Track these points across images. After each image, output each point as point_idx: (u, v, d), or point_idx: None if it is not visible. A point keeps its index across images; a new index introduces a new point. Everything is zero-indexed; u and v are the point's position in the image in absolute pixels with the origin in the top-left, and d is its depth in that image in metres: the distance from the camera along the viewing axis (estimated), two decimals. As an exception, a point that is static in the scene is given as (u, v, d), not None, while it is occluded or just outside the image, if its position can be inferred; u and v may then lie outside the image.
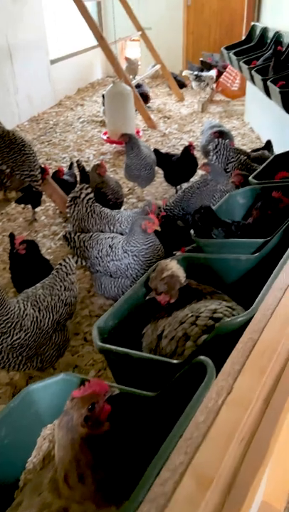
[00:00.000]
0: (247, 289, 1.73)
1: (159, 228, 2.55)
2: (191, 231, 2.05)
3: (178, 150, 5.67)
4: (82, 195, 3.17)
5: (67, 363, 2.73)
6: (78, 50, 8.67)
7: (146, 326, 1.66)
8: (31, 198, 4.06)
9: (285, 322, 1.03)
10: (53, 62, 7.67)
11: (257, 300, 1.17)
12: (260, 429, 0.81)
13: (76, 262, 2.89)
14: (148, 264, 2.61)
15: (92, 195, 3.19)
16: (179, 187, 4.75)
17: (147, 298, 1.69)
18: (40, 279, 2.49)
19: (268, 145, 4.51)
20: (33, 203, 4.21)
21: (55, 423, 1.34)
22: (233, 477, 0.74)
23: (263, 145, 4.65)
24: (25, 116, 6.99)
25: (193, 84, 7.60)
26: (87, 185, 3.23)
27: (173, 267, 1.67)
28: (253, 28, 5.94)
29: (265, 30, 5.54)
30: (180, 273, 1.67)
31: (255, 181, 2.50)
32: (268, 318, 1.06)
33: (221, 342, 1.16)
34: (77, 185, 3.27)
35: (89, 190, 3.18)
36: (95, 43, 7.74)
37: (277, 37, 5.03)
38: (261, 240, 1.78)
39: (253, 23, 5.99)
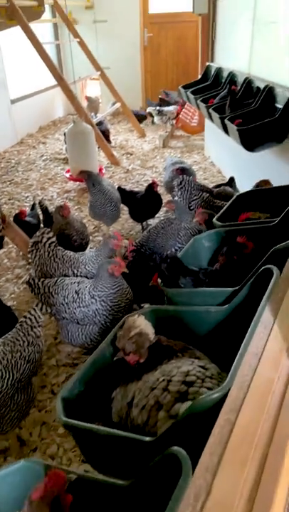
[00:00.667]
0: (218, 341, 1.65)
1: (126, 270, 2.48)
2: (158, 280, 1.97)
3: (142, 186, 5.69)
4: (44, 240, 3.08)
5: (34, 420, 2.55)
6: (39, 90, 8.71)
7: (116, 390, 1.54)
8: (-7, 242, 3.90)
9: (262, 397, 0.95)
10: (13, 101, 7.64)
11: (231, 372, 1.08)
12: None
13: (41, 309, 2.75)
14: (116, 308, 2.51)
15: (54, 238, 3.10)
16: (144, 223, 4.72)
17: (115, 359, 1.57)
18: (1, 330, 2.34)
19: (231, 181, 4.57)
20: (-5, 247, 4.04)
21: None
22: None
23: (226, 181, 4.71)
24: (-14, 156, 6.89)
25: (156, 118, 7.72)
26: (48, 229, 3.13)
27: (141, 323, 1.57)
28: (208, 68, 6.14)
29: (219, 70, 5.72)
30: (149, 330, 1.57)
31: (220, 223, 2.47)
32: (245, 393, 0.97)
33: (194, 419, 1.06)
34: (39, 229, 3.16)
35: (50, 234, 3.10)
36: (55, 81, 7.82)
37: (232, 77, 5.21)
38: (230, 290, 1.72)
39: (207, 63, 6.19)
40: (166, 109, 7.56)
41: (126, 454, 1.20)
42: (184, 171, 4.64)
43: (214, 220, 2.55)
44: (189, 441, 0.99)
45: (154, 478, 0.94)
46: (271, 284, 1.37)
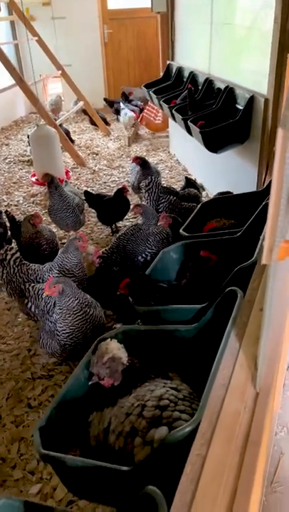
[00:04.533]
0: (189, 358, 1.71)
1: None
2: (129, 298, 2.00)
3: (109, 187, 5.67)
4: (8, 257, 3.07)
5: (12, 436, 2.54)
6: (-1, 89, 8.49)
7: (92, 414, 1.57)
8: None
9: (230, 430, 1.00)
10: (-28, 103, 7.43)
11: (200, 405, 1.13)
12: None
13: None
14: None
15: (17, 254, 3.11)
16: (114, 226, 4.73)
17: (90, 383, 1.60)
18: None
19: (188, 182, 4.61)
20: None
21: None
22: None
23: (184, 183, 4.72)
24: None
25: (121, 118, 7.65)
26: (11, 246, 3.15)
27: (113, 348, 1.60)
28: (169, 67, 6.14)
29: (180, 69, 5.74)
30: (122, 354, 1.61)
31: (186, 234, 2.52)
32: (214, 426, 1.02)
33: (168, 451, 1.11)
34: (2, 247, 3.16)
35: (14, 250, 3.10)
36: (14, 81, 7.61)
37: (193, 76, 5.23)
38: (198, 306, 1.77)
39: (168, 62, 6.19)
40: (129, 113, 7.45)
41: (105, 481, 1.24)
42: (144, 161, 4.65)
43: (181, 230, 2.60)
44: (165, 469, 1.03)
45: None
46: (236, 308, 1.43)
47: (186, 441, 1.05)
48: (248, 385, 1.11)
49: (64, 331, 2.55)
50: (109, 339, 1.66)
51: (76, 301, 2.47)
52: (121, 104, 7.78)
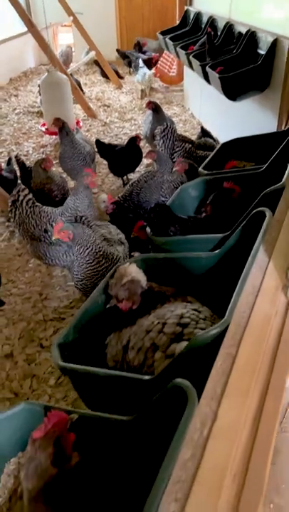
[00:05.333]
0: (209, 286, 1.67)
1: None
2: (148, 229, 1.95)
3: (121, 139, 5.54)
4: (21, 198, 3.00)
5: (24, 374, 2.57)
6: (6, 38, 8.17)
7: (110, 336, 1.55)
8: None
9: (260, 333, 0.97)
10: (-20, 51, 7.19)
11: (229, 308, 1.09)
12: (253, 460, 0.74)
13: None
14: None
15: (30, 195, 3.03)
16: (125, 178, 4.64)
17: (108, 306, 1.58)
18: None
19: (204, 131, 4.49)
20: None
21: (19, 456, 1.22)
22: (232, 522, 0.66)
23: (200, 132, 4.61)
24: None
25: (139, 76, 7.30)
26: (23, 187, 3.06)
27: (132, 271, 1.57)
28: (186, 13, 5.87)
29: (199, 15, 5.48)
30: (140, 277, 1.57)
31: (205, 172, 2.43)
32: (243, 328, 0.99)
33: (194, 355, 1.08)
34: (16, 187, 3.07)
35: (26, 191, 3.02)
36: (24, 29, 7.32)
37: (212, 21, 5.00)
38: (220, 235, 1.72)
39: (186, 7, 5.91)
40: (143, 70, 7.09)
41: (125, 394, 1.23)
42: (156, 105, 4.51)
43: (200, 169, 2.51)
44: (188, 378, 1.01)
45: (158, 411, 0.96)
46: (264, 225, 1.37)
47: (211, 345, 1.02)
48: (278, 293, 1.07)
49: (77, 276, 2.50)
50: (128, 263, 1.63)
51: (88, 251, 2.36)
52: (140, 61, 7.36)
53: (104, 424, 1.07)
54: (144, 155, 4.15)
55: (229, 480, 0.69)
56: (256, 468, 0.73)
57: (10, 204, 3.04)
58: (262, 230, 1.36)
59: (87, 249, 2.35)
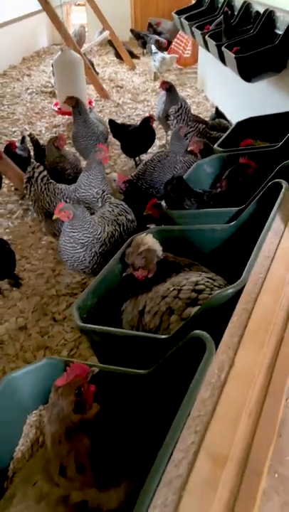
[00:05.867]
0: (223, 258, 1.72)
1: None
2: (163, 203, 2.00)
3: (133, 120, 5.54)
4: (36, 174, 3.05)
5: (38, 345, 2.65)
6: (19, 16, 8.13)
7: (126, 303, 1.61)
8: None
9: (276, 292, 1.02)
10: (-6, 28, 7.18)
11: (245, 270, 1.15)
12: (267, 402, 0.80)
13: None
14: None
15: (45, 172, 3.08)
16: (137, 158, 4.66)
17: (124, 274, 1.64)
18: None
19: (218, 113, 4.49)
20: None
21: (40, 409, 1.29)
22: (247, 453, 0.72)
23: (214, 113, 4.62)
24: None
25: (152, 64, 7.21)
26: (38, 164, 3.10)
27: (149, 241, 1.62)
28: (202, -8, 5.81)
29: (215, -6, 5.43)
30: (157, 247, 1.63)
31: (221, 149, 2.46)
32: (259, 287, 1.04)
33: (210, 315, 1.14)
34: (30, 164, 3.12)
35: (41, 168, 3.07)
36: (37, 7, 7.27)
37: (229, 1, 4.94)
38: (235, 209, 1.76)
39: (202, -13, 5.84)
40: (159, 55, 7.00)
41: (142, 354, 1.29)
42: (170, 85, 4.51)
43: (215, 146, 2.55)
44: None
45: (176, 363, 1.03)
46: (281, 195, 1.41)
47: (227, 305, 1.07)
48: (293, 258, 1.12)
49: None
50: (144, 234, 1.68)
51: (86, 235, 2.43)
52: (153, 47, 7.25)
53: (123, 378, 1.13)
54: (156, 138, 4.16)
55: (245, 418, 0.75)
56: (270, 410, 0.79)
57: (25, 181, 3.10)
58: (278, 200, 1.40)
59: (86, 234, 2.42)
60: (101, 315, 1.57)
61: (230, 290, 1.10)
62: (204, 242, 1.74)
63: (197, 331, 0.95)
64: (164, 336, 1.21)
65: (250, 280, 1.08)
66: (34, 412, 1.28)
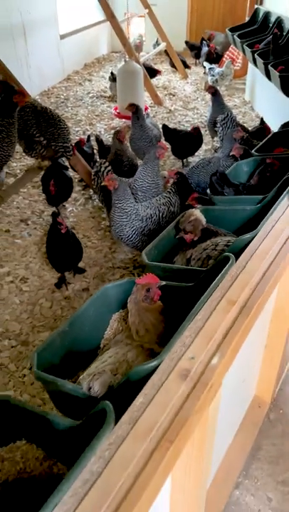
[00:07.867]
0: (250, 230, 2.43)
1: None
2: (208, 190, 2.73)
3: (184, 126, 6.31)
4: (102, 169, 3.84)
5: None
6: (86, 25, 9.12)
7: (176, 256, 2.36)
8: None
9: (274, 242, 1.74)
10: (62, 37, 8.16)
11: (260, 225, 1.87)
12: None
13: None
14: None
15: (110, 167, 3.84)
16: (185, 160, 5.41)
17: (177, 237, 2.38)
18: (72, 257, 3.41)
19: (263, 122, 5.14)
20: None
21: (120, 312, 2.05)
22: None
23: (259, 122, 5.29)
24: (37, 90, 7.52)
25: (209, 78, 7.79)
26: (104, 160, 3.90)
27: (197, 213, 2.36)
28: (256, 11, 6.50)
29: (268, 14, 6.10)
30: (202, 218, 2.36)
31: (257, 154, 3.18)
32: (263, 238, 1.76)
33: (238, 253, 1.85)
34: (98, 161, 3.93)
35: (107, 164, 3.84)
36: (101, 17, 8.19)
37: (279, 21, 5.61)
38: (261, 196, 2.48)
39: (256, 6, 6.54)
40: (217, 70, 7.67)
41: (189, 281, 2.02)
42: (216, 90, 5.19)
43: (253, 151, 3.27)
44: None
45: (211, 276, 1.74)
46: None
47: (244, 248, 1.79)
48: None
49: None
50: (194, 209, 2.43)
51: (128, 205, 3.23)
52: (206, 64, 7.97)
53: (174, 289, 1.86)
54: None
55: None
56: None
57: (93, 174, 3.91)
58: (288, 188, 2.11)
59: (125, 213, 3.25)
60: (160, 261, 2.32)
61: (248, 235, 1.81)
62: (236, 219, 2.46)
63: (227, 253, 1.67)
64: (204, 268, 1.93)
65: (262, 230, 1.79)
66: (117, 312, 2.03)
